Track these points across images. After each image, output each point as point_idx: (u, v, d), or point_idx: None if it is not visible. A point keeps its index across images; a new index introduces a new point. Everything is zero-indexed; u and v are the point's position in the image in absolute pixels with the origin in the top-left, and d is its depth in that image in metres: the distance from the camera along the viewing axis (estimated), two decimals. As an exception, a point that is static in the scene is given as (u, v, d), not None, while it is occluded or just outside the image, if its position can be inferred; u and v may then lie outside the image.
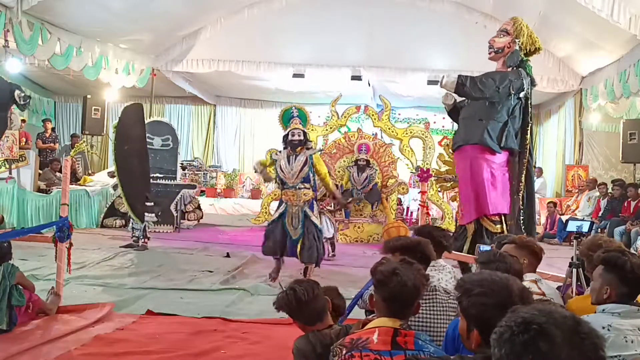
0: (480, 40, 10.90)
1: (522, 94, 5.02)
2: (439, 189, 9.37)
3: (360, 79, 12.15)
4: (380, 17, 10.87)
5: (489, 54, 5.18)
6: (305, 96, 14.24)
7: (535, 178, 11.76)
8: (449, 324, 2.33)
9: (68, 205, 4.21)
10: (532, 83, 5.12)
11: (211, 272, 5.79)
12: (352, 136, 9.88)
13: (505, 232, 4.96)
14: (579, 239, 3.80)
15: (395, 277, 1.94)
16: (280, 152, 5.63)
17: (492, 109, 4.97)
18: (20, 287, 3.69)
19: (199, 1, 10.20)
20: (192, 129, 15.89)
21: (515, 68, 5.09)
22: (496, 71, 5.16)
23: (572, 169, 11.79)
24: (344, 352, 1.89)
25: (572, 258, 3.73)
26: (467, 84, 4.92)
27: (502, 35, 5.13)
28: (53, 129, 12.39)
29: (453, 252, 4.20)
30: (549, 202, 10.97)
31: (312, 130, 10.24)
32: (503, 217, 5.10)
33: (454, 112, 5.42)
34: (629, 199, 9.15)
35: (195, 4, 10.23)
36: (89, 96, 11.88)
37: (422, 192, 7.62)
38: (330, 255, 7.23)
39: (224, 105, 15.89)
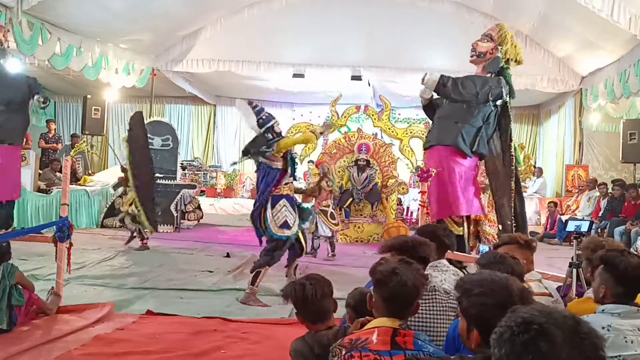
0: (480, 40, 11.00)
1: (499, 102, 5.04)
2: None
3: (360, 79, 12.15)
4: (380, 17, 10.86)
5: (471, 56, 5.22)
6: (305, 96, 14.26)
7: (536, 179, 11.91)
8: (450, 325, 2.33)
9: (68, 205, 4.21)
10: (511, 93, 5.13)
11: (211, 272, 5.79)
12: (352, 136, 9.88)
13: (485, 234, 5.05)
14: (579, 239, 3.81)
15: (395, 277, 1.94)
16: None
17: (469, 112, 4.98)
18: (20, 287, 3.70)
19: (199, 1, 10.20)
20: (192, 129, 15.88)
21: (494, 75, 5.09)
22: (478, 75, 5.16)
23: (572, 169, 11.79)
24: (344, 352, 1.89)
25: (572, 258, 3.73)
26: (448, 84, 4.95)
27: (485, 40, 5.16)
28: (56, 130, 12.40)
29: (454, 252, 4.20)
30: (549, 202, 10.97)
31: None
32: (465, 220, 5.17)
33: (429, 108, 5.41)
34: (630, 199, 9.16)
35: (195, 4, 10.23)
36: (89, 96, 11.88)
37: (422, 192, 7.60)
38: (329, 255, 7.22)
39: (224, 105, 15.88)
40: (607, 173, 11.97)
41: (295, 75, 12.12)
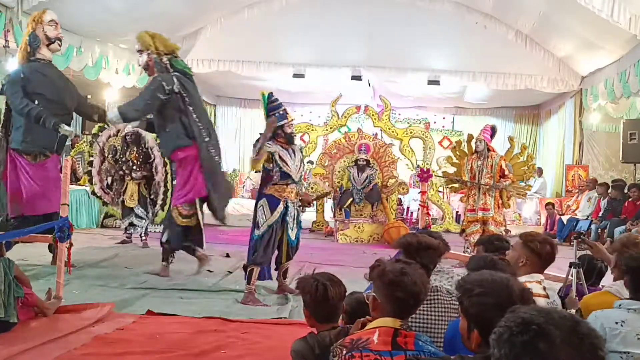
0: (480, 40, 11.03)
1: (175, 92, 5.21)
2: (440, 190, 9.34)
3: (360, 79, 12.15)
4: (380, 17, 10.87)
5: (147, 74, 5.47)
6: (305, 96, 14.25)
7: (536, 178, 11.91)
8: (449, 326, 2.33)
9: (68, 205, 4.21)
10: (186, 74, 5.35)
11: (211, 272, 5.79)
12: (352, 136, 9.88)
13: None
14: (579, 239, 3.81)
15: (406, 277, 1.96)
16: (269, 144, 4.80)
17: (161, 117, 5.23)
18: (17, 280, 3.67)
19: (199, 1, 10.21)
20: (192, 129, 15.85)
21: (171, 70, 5.31)
22: (145, 87, 5.39)
23: (572, 169, 11.80)
24: (344, 352, 1.90)
25: (573, 258, 3.73)
26: (125, 110, 5.15)
27: (140, 55, 5.36)
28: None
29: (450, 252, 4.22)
30: (547, 204, 10.99)
31: (312, 130, 10.27)
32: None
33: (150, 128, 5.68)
34: (632, 200, 9.16)
35: (195, 4, 10.23)
36: (89, 96, 11.85)
37: (422, 192, 7.64)
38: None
39: (224, 105, 15.87)
40: (607, 173, 11.97)
41: (295, 75, 12.13)
